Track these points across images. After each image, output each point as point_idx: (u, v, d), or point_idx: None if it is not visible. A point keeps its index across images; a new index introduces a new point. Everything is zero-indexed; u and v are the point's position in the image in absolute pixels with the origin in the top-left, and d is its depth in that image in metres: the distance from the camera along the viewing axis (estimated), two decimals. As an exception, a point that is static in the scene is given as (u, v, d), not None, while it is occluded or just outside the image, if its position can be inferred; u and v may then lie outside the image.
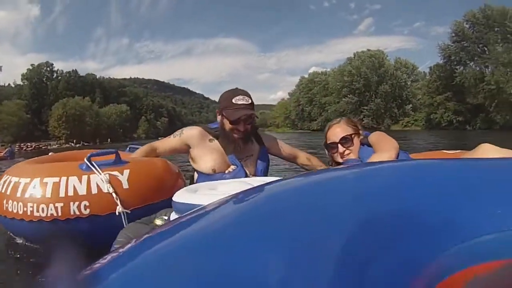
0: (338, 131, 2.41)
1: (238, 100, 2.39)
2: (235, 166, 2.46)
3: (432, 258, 0.67)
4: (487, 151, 1.91)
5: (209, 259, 0.62)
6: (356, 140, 2.38)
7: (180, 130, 2.67)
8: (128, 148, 3.46)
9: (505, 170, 0.86)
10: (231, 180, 1.96)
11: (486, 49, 48.84)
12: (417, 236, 0.69)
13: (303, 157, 2.79)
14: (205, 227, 0.77)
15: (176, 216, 1.44)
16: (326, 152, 2.55)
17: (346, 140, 2.37)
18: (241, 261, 0.60)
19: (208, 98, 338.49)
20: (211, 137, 2.54)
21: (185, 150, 2.60)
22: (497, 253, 0.66)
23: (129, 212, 2.19)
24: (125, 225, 1.98)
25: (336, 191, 0.83)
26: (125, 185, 2.28)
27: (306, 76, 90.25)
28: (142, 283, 0.60)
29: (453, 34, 52.75)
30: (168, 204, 1.68)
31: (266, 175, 2.55)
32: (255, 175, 2.50)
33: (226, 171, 2.46)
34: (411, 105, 64.52)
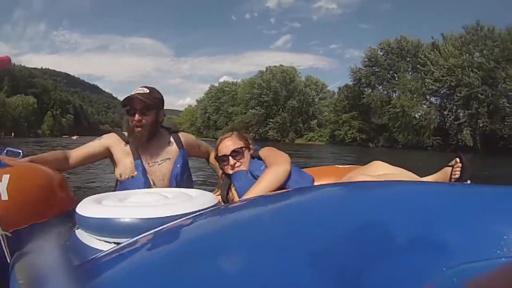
0: (229, 144, 2.28)
1: (136, 91, 2.31)
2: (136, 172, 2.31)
3: (426, 279, 0.65)
4: (379, 166, 2.23)
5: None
6: (247, 153, 2.29)
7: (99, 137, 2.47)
8: (5, 151, 2.23)
9: (489, 197, 0.86)
10: (144, 190, 1.92)
11: (396, 75, 50.00)
12: (411, 257, 0.68)
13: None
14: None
15: (83, 233, 1.42)
16: (217, 164, 2.40)
17: (236, 153, 2.25)
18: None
19: (116, 98, 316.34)
20: (124, 142, 2.37)
21: (105, 155, 2.39)
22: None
23: (10, 235, 1.41)
24: (6, 254, 1.31)
25: (321, 210, 0.87)
26: (4, 196, 1.51)
27: (217, 84, 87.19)
28: None
29: (366, 59, 53.17)
30: (59, 222, 1.64)
31: (184, 181, 2.39)
32: (169, 181, 2.36)
33: (129, 177, 2.31)
34: (316, 121, 64.15)
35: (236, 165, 2.25)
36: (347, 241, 0.70)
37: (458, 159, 2.24)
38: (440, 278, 0.67)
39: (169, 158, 2.38)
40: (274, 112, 66.04)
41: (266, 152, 2.27)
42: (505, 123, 38.13)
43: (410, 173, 2.22)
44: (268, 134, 64.63)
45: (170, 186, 2.31)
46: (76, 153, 2.34)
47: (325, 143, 55.53)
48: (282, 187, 2.00)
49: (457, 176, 2.19)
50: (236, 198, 2.13)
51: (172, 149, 2.40)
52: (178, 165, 2.39)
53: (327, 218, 0.80)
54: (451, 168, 2.25)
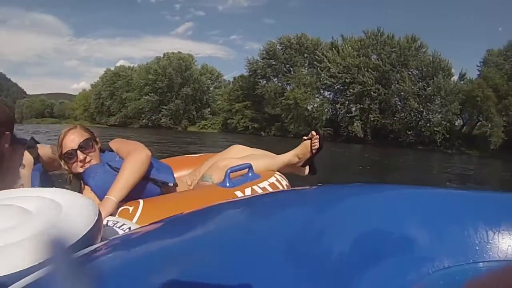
0: (74, 137, 1.93)
1: None
2: None
3: (413, 282, 0.68)
4: (240, 150, 2.30)
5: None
6: (96, 146, 1.99)
7: None
8: None
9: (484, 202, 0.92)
10: None
11: (292, 69, 48.10)
12: (399, 260, 0.71)
13: None
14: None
15: None
16: (63, 164, 1.95)
17: (85, 146, 1.92)
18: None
19: (10, 80, 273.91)
20: None
21: None
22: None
23: None
24: None
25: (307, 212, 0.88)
26: None
27: (112, 68, 76.92)
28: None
29: (264, 52, 50.53)
30: None
31: None
32: None
33: None
34: (210, 109, 59.70)
35: (87, 159, 1.90)
36: (338, 245, 0.70)
37: (314, 132, 2.45)
38: (427, 280, 0.70)
39: (22, 184, 1.79)
40: (168, 99, 60.34)
41: (117, 143, 2.02)
42: (395, 118, 39.32)
43: (268, 152, 2.43)
44: (161, 121, 59.07)
45: None
46: None
47: (217, 131, 52.32)
48: (146, 175, 1.82)
49: (316, 146, 2.39)
50: (94, 198, 1.73)
51: (25, 172, 1.82)
52: (36, 185, 1.78)
53: (317, 222, 0.79)
54: (309, 140, 2.42)
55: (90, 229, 0.95)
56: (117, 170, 1.78)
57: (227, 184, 1.89)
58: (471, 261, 0.73)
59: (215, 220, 0.88)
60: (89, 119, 76.18)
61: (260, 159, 2.17)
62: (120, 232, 1.34)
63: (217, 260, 0.66)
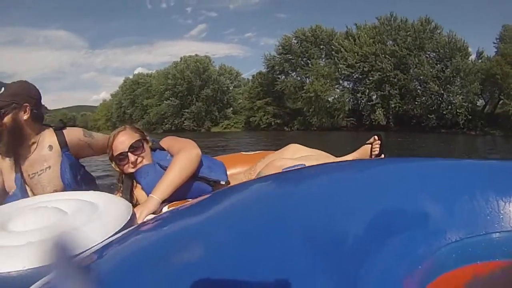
0: (124, 139, 1.92)
1: None
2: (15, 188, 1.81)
3: (426, 256, 0.66)
4: (297, 149, 2.23)
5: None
6: (146, 146, 1.97)
7: None
8: None
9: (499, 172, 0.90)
10: (30, 201, 1.37)
11: (309, 62, 47.52)
12: (411, 235, 0.69)
13: None
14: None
15: None
16: (114, 165, 1.99)
17: (136, 148, 1.91)
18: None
19: None
20: None
21: None
22: (492, 254, 0.69)
23: None
24: None
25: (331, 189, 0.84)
26: None
27: (131, 76, 78.09)
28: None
29: (280, 47, 50.02)
30: None
31: (80, 188, 1.84)
32: (55, 192, 1.79)
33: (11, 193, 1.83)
34: (231, 109, 59.69)
35: (138, 161, 1.89)
36: (350, 220, 0.67)
37: (376, 137, 2.35)
38: (440, 253, 0.69)
39: (49, 167, 1.81)
40: (189, 102, 60.75)
41: (168, 141, 2.04)
42: (416, 103, 38.92)
43: (325, 154, 2.27)
44: (184, 124, 59.50)
45: None
46: None
47: (241, 130, 52.50)
48: (195, 174, 1.80)
49: (377, 152, 2.28)
50: (144, 198, 1.76)
51: (52, 155, 1.83)
52: (65, 172, 1.82)
53: (330, 198, 0.76)
54: (370, 145, 2.32)
55: (121, 228, 0.99)
56: (166, 169, 1.77)
57: None
58: (483, 232, 0.72)
59: (227, 203, 0.86)
60: (111, 128, 76.01)
61: (316, 161, 2.01)
62: None
63: (231, 241, 0.64)
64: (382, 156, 2.32)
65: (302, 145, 2.37)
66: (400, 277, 0.61)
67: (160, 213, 0.97)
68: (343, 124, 41.60)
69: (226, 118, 59.13)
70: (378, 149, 2.28)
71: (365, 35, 42.07)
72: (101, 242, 0.82)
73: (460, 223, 0.72)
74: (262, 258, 0.57)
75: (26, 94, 1.80)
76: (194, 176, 1.80)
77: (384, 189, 0.79)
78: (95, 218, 1.03)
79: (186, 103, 60.55)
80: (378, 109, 40.43)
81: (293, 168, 1.84)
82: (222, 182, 1.88)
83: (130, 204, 1.19)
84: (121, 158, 1.88)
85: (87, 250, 0.75)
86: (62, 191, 1.72)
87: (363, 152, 2.32)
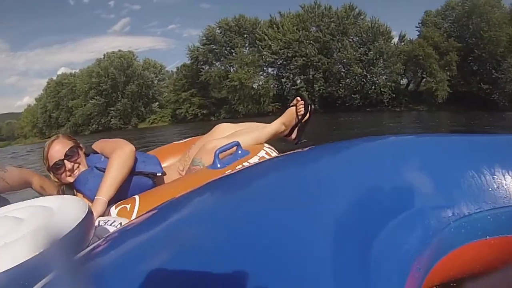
0: (59, 147, 1.90)
1: None
2: None
3: (436, 232, 0.67)
4: (225, 128, 2.31)
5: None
6: (81, 152, 1.97)
7: None
8: None
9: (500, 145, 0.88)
10: None
11: (233, 51, 47.73)
12: (420, 211, 0.69)
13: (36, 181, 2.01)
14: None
15: None
16: (52, 177, 1.95)
17: (71, 155, 1.90)
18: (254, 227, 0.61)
19: None
20: None
21: None
22: (500, 229, 0.70)
23: None
24: None
25: (334, 170, 0.84)
26: None
27: (54, 78, 73.47)
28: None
29: (204, 38, 49.84)
30: None
31: None
32: None
33: None
34: (157, 103, 58.44)
35: (75, 167, 1.90)
36: (363, 200, 0.68)
37: (299, 98, 2.41)
38: (449, 229, 0.69)
39: None
40: (114, 99, 58.48)
41: (100, 144, 2.01)
42: (340, 85, 39.97)
43: (254, 124, 2.40)
44: (111, 123, 57.45)
45: None
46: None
47: (168, 123, 51.93)
48: (133, 170, 1.81)
49: (302, 112, 2.33)
50: (89, 204, 1.61)
51: None
52: None
53: (340, 180, 0.76)
54: (295, 107, 2.36)
55: (79, 223, 0.97)
56: (104, 170, 1.73)
57: (218, 166, 1.83)
58: (491, 207, 0.71)
59: (209, 198, 0.86)
60: (38, 134, 72.86)
61: (247, 134, 2.14)
62: (112, 229, 1.31)
63: (222, 233, 0.62)
64: (308, 115, 2.36)
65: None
66: (413, 253, 0.61)
67: (141, 215, 0.96)
68: (269, 110, 42.08)
69: (153, 113, 57.89)
70: (303, 108, 2.33)
71: (289, 23, 42.49)
72: (102, 239, 0.88)
73: (467, 198, 0.72)
74: (270, 243, 0.57)
75: None
76: (132, 172, 1.79)
77: (387, 166, 0.79)
78: (52, 219, 1.00)
79: (112, 101, 58.40)
80: (303, 93, 40.83)
81: (227, 147, 1.92)
82: (158, 174, 1.91)
83: (85, 202, 1.14)
84: (57, 167, 1.86)
85: (86, 250, 0.79)
86: None
87: (288, 114, 2.39)
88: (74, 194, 1.84)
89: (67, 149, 1.86)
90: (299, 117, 2.32)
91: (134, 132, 37.89)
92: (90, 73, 60.53)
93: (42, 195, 1.94)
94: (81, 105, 60.58)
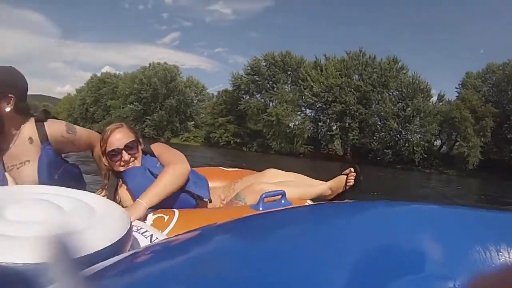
0: (121, 136, 1.92)
1: None
2: None
3: None
4: (275, 174, 2.32)
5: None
6: (140, 148, 1.99)
7: None
8: None
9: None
10: (23, 190, 1.29)
11: (275, 86, 48.43)
12: (422, 280, 0.71)
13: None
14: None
15: None
16: (104, 160, 1.96)
17: (130, 147, 1.92)
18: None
19: None
20: None
21: None
22: None
23: None
24: None
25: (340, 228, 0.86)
26: None
27: (98, 74, 76.38)
28: None
29: (249, 68, 50.77)
30: None
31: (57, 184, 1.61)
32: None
33: None
34: (193, 122, 59.47)
35: (130, 160, 1.91)
36: (374, 261, 0.69)
37: (352, 168, 2.37)
38: None
39: (28, 161, 1.77)
40: (152, 109, 59.97)
41: (160, 148, 2.03)
42: (374, 138, 40.21)
43: (305, 177, 2.41)
44: (145, 131, 57.85)
45: None
46: None
47: (200, 144, 52.34)
48: (183, 187, 1.85)
49: (351, 183, 2.31)
50: (129, 200, 1.84)
51: (32, 148, 1.78)
52: (42, 169, 1.77)
53: (336, 238, 0.77)
54: (346, 176, 2.34)
55: (121, 238, 0.97)
56: (156, 176, 1.79)
57: (260, 208, 1.89)
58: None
59: (242, 233, 0.85)
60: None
61: (295, 187, 2.16)
62: (143, 239, 1.33)
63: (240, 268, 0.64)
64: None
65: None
66: None
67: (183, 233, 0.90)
68: (301, 151, 42.15)
69: (187, 131, 58.91)
70: (353, 180, 2.32)
71: (333, 67, 43.02)
72: (123, 255, 0.82)
73: (471, 272, 0.72)
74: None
75: (13, 84, 1.74)
76: (181, 188, 1.83)
77: (390, 231, 0.79)
78: (94, 223, 1.00)
79: (149, 110, 59.84)
80: (337, 140, 41.48)
81: (273, 194, 1.96)
82: (205, 199, 1.98)
83: (128, 216, 1.15)
84: (114, 154, 1.88)
85: (108, 261, 0.75)
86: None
87: (338, 181, 2.36)
88: (118, 182, 1.92)
89: (128, 141, 1.90)
90: (347, 187, 2.33)
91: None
92: (133, 78, 62.35)
93: (96, 163, 2.15)
94: (119, 107, 62.27)
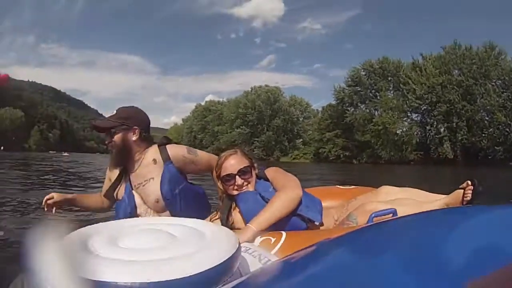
0: (234, 162, 2.02)
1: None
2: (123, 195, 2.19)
3: None
4: (389, 192, 2.18)
5: None
6: (253, 173, 2.06)
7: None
8: None
9: None
10: (142, 222, 1.48)
11: (378, 94, 50.64)
12: None
13: None
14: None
15: None
16: (219, 184, 2.09)
17: (244, 172, 2.00)
18: None
19: (101, 115, 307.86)
20: None
21: (114, 186, 2.26)
22: None
23: None
24: None
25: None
26: None
27: (203, 103, 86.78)
28: None
29: (349, 79, 53.72)
30: None
31: (179, 200, 2.16)
32: (161, 202, 2.13)
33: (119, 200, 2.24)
34: (301, 140, 64.22)
35: (244, 184, 2.03)
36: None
37: (469, 182, 2.16)
38: None
39: (152, 178, 2.15)
40: (259, 131, 66.35)
41: (273, 173, 2.11)
42: (483, 135, 40.52)
43: (421, 192, 2.21)
44: (254, 153, 61.41)
45: (163, 208, 2.15)
46: (103, 196, 2.39)
47: (309, 161, 55.80)
48: (294, 211, 1.89)
49: (468, 198, 2.12)
50: (240, 222, 1.96)
51: (156, 167, 2.15)
52: (164, 183, 2.13)
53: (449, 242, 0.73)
54: (463, 190, 2.15)
55: (229, 257, 1.08)
56: (267, 201, 1.86)
57: None
58: None
59: (348, 250, 0.90)
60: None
61: (407, 206, 1.96)
62: (251, 258, 1.42)
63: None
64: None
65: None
66: None
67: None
68: (410, 158, 43.32)
69: (296, 149, 63.56)
70: (470, 195, 2.09)
71: (431, 66, 44.84)
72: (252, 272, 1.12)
73: None
74: None
75: (137, 118, 2.17)
76: (292, 212, 1.87)
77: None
78: (204, 246, 1.13)
79: (257, 132, 66.20)
80: (446, 142, 42.39)
81: (383, 213, 1.86)
82: (316, 223, 1.94)
83: (236, 237, 1.28)
84: (228, 179, 2.01)
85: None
86: (161, 201, 2.10)
87: (455, 197, 2.15)
88: (231, 205, 2.02)
89: (242, 166, 1.99)
90: (464, 202, 2.09)
91: (276, 165, 41.35)
92: (237, 103, 69.67)
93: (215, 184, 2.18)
94: (227, 132, 69.82)
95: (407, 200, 2.07)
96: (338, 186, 2.97)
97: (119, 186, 2.23)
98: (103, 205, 2.37)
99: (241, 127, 67.22)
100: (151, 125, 2.36)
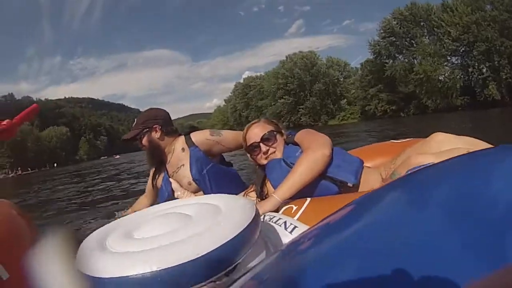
0: (257, 130, 2.08)
1: None
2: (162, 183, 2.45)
3: None
4: (442, 140, 1.85)
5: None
6: (280, 138, 2.07)
7: None
8: None
9: None
10: (162, 207, 1.48)
11: (413, 42, 50.15)
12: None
13: None
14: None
15: None
16: (249, 157, 2.16)
17: (268, 139, 2.03)
18: None
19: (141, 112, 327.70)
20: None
21: (157, 185, 2.57)
22: None
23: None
24: None
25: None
26: None
27: (241, 81, 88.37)
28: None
29: (382, 31, 53.35)
30: None
31: (211, 178, 2.34)
32: (189, 185, 2.33)
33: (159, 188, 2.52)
34: (345, 100, 64.62)
35: (270, 151, 2.02)
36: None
37: None
38: None
39: (183, 164, 2.35)
40: (302, 98, 67.09)
41: (302, 135, 2.00)
42: None
43: (477, 141, 1.79)
44: (301, 120, 65.48)
45: (196, 188, 2.33)
46: (147, 197, 2.69)
47: (357, 120, 56.10)
48: (323, 173, 1.79)
49: None
50: (272, 192, 1.84)
51: (185, 155, 2.35)
52: (194, 166, 2.30)
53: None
54: None
55: (246, 226, 1.07)
56: (291, 166, 1.81)
57: None
58: None
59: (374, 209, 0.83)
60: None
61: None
62: (276, 227, 1.41)
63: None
64: None
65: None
66: None
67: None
68: (457, 104, 42.83)
69: (342, 110, 64.25)
70: None
71: (462, 4, 43.49)
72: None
73: None
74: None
75: (154, 117, 2.38)
76: (321, 175, 1.77)
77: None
78: (221, 219, 1.12)
79: (300, 99, 67.23)
80: (490, 83, 41.54)
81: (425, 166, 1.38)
82: (349, 184, 1.80)
83: (253, 203, 1.26)
84: (253, 148, 2.03)
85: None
86: (193, 182, 2.29)
87: None
88: (264, 177, 2.02)
89: (264, 133, 2.00)
90: None
91: (324, 129, 36.54)
92: (275, 75, 70.70)
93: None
94: (270, 105, 71.14)
95: (462, 151, 1.56)
96: (393, 141, 2.78)
97: (157, 177, 2.51)
98: (152, 202, 2.66)
99: (283, 97, 68.24)
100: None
